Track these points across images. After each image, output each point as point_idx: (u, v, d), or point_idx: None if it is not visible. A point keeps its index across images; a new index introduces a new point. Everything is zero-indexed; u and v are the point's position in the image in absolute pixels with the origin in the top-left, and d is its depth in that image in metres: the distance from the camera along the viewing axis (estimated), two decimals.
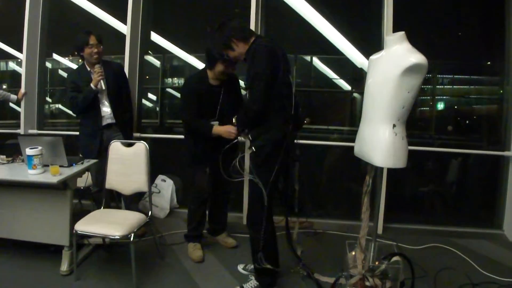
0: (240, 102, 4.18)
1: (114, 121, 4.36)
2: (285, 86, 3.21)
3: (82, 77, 4.29)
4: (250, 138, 3.25)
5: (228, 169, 3.43)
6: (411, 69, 2.54)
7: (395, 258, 3.03)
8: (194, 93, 3.95)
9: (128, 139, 4.19)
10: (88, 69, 4.31)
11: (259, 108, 3.12)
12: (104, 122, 4.35)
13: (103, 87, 4.25)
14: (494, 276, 3.84)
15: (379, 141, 2.74)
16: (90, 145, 4.35)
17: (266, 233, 3.28)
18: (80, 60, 4.73)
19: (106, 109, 4.35)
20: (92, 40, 4.18)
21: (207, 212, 4.36)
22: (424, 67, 2.55)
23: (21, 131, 5.44)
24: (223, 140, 3.74)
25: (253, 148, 3.20)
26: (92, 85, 4.19)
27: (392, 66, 2.63)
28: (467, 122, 5.67)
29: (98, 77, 4.17)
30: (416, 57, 2.55)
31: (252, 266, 3.60)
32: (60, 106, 6.39)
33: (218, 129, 3.83)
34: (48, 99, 6.12)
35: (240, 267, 3.88)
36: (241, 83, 4.28)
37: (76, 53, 4.36)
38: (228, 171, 3.41)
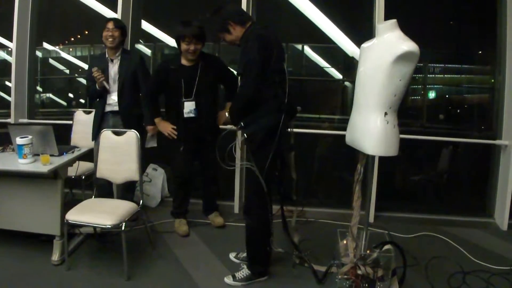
0: (228, 80, 4.37)
1: (118, 109, 4.45)
2: (278, 73, 3.17)
3: (100, 63, 4.39)
4: (243, 125, 3.21)
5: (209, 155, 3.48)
6: (403, 57, 2.53)
7: (386, 247, 3.04)
8: (163, 71, 4.27)
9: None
10: (107, 56, 4.43)
11: (249, 94, 3.11)
12: (109, 109, 4.46)
13: (107, 87, 4.37)
14: (485, 264, 3.86)
15: (371, 129, 2.73)
16: (94, 128, 4.50)
17: (262, 220, 3.30)
18: (71, 49, 4.74)
19: (114, 97, 4.44)
20: (110, 24, 4.33)
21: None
22: (415, 55, 2.54)
23: (11, 120, 5.39)
24: (196, 122, 4.16)
25: (245, 135, 3.18)
26: (97, 86, 4.32)
27: (384, 54, 2.62)
28: (459, 111, 5.68)
29: (98, 80, 4.27)
30: (408, 45, 2.54)
31: (244, 255, 3.60)
32: (51, 95, 6.36)
33: (157, 121, 4.36)
34: (38, 88, 6.07)
35: (232, 256, 3.88)
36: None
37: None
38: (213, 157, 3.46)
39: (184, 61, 4.19)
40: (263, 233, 3.36)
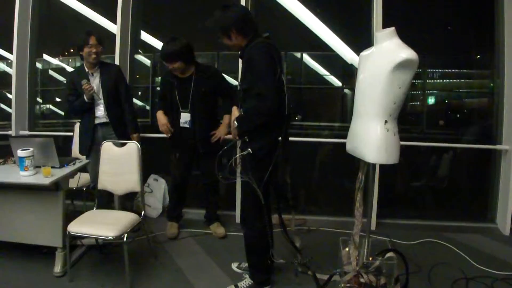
0: (224, 93, 4.43)
1: (108, 120, 4.43)
2: (280, 88, 3.11)
3: (80, 78, 4.32)
4: (247, 139, 3.15)
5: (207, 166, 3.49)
6: (402, 65, 2.54)
7: (389, 254, 3.03)
8: (164, 84, 4.55)
9: (123, 139, 4.21)
10: (87, 70, 4.39)
11: (273, 107, 2.99)
12: (98, 121, 4.44)
13: (99, 97, 4.38)
14: (488, 270, 3.85)
15: (371, 137, 2.73)
16: (84, 142, 4.48)
17: (260, 230, 3.28)
18: (70, 60, 4.75)
19: (100, 109, 4.42)
20: (92, 40, 4.25)
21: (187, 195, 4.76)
22: (414, 62, 2.55)
23: (12, 132, 5.39)
24: (190, 132, 4.30)
25: (250, 150, 3.10)
26: (85, 98, 4.29)
27: (383, 62, 2.63)
28: (458, 116, 5.68)
29: (88, 92, 4.26)
30: (407, 53, 2.55)
31: (246, 264, 3.60)
32: (51, 106, 6.36)
33: (158, 115, 4.45)
34: (39, 99, 6.08)
35: (234, 266, 3.87)
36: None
37: (77, 52, 4.40)
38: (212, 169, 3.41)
39: (179, 75, 4.30)
40: (262, 242, 3.34)
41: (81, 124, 4.57)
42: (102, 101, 4.39)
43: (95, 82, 4.39)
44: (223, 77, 4.56)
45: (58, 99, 6.31)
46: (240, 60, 3.39)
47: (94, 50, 4.26)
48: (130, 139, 4.37)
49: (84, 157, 4.39)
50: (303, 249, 3.74)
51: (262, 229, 3.29)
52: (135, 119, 4.63)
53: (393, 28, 2.72)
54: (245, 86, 3.13)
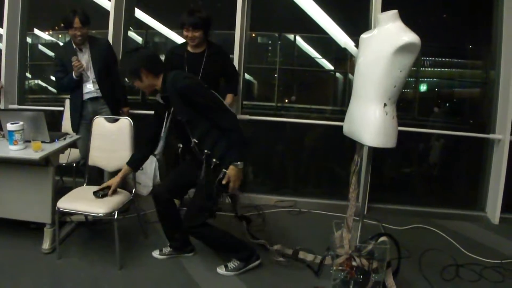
0: (229, 74, 4.50)
1: (99, 94, 4.42)
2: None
3: (68, 54, 4.29)
4: (215, 160, 3.17)
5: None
6: (404, 48, 2.52)
7: (382, 239, 3.03)
8: (169, 55, 4.47)
9: (116, 114, 4.23)
10: (74, 46, 4.35)
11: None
12: (88, 96, 4.42)
13: (87, 75, 4.36)
14: (478, 257, 3.88)
15: (370, 120, 2.72)
16: (73, 118, 4.47)
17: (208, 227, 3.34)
18: (60, 35, 4.70)
19: (89, 85, 4.40)
20: (76, 23, 4.18)
21: None
22: (417, 46, 2.53)
23: (1, 106, 5.34)
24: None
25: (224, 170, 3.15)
26: (73, 74, 4.26)
27: (385, 45, 2.61)
28: (452, 104, 5.68)
29: (77, 69, 4.23)
30: (410, 36, 2.53)
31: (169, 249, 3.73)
32: (40, 82, 6.29)
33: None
34: (28, 74, 6.01)
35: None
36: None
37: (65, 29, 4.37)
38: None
39: (190, 48, 4.29)
40: (215, 233, 3.40)
41: (71, 101, 4.55)
42: (90, 78, 4.37)
43: (84, 57, 4.35)
44: (231, 58, 4.62)
45: (49, 75, 6.24)
46: None
47: (78, 33, 4.22)
48: (121, 114, 4.33)
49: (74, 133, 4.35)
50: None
51: (211, 227, 3.36)
52: (126, 93, 4.68)
53: (396, 11, 2.69)
54: (187, 118, 3.13)
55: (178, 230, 3.58)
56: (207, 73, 4.22)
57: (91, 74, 4.37)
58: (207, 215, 3.22)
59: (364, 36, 2.95)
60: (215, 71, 4.29)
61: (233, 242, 3.47)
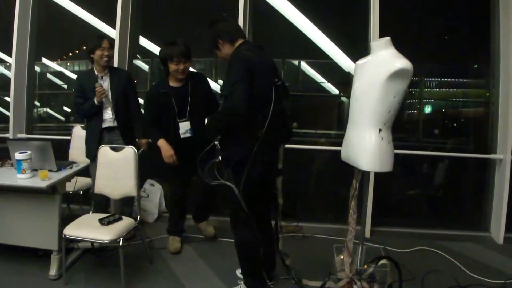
0: (211, 101, 4.29)
1: (116, 124, 4.42)
2: (260, 98, 3.06)
3: (90, 81, 4.35)
4: (219, 147, 3.13)
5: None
6: (397, 74, 2.57)
7: (382, 262, 3.06)
8: (154, 97, 4.24)
9: (129, 143, 4.20)
10: (96, 73, 4.39)
11: (243, 109, 2.95)
12: (105, 125, 4.41)
13: (109, 101, 4.36)
14: (481, 278, 3.88)
15: (365, 145, 2.76)
16: (90, 146, 4.42)
17: (247, 238, 3.29)
18: (69, 64, 4.76)
19: (108, 113, 4.41)
20: (105, 43, 4.29)
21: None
22: (409, 72, 2.58)
23: (10, 135, 5.43)
24: (192, 141, 4.11)
25: (220, 158, 3.11)
26: (95, 100, 4.28)
27: (378, 71, 2.66)
28: (454, 125, 5.72)
29: (100, 95, 4.26)
30: (401, 62, 2.58)
31: None
32: (49, 110, 6.39)
33: (161, 144, 4.19)
34: (36, 103, 6.10)
35: (238, 272, 3.76)
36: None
37: (88, 55, 4.39)
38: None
39: (172, 83, 4.21)
40: (250, 250, 3.32)
41: (88, 128, 4.55)
42: (109, 106, 4.38)
43: (105, 85, 4.38)
44: (210, 86, 4.52)
45: (57, 103, 6.34)
46: None
47: (106, 53, 4.28)
48: (137, 145, 4.38)
49: (82, 161, 4.38)
50: (293, 267, 3.71)
51: (249, 237, 3.28)
52: (145, 126, 4.52)
53: (388, 38, 2.75)
54: (224, 92, 3.12)
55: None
56: (195, 102, 4.16)
57: (110, 102, 4.38)
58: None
59: (359, 62, 2.99)
60: (201, 97, 4.21)
61: (254, 269, 3.40)
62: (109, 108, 4.39)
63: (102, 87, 4.28)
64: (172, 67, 4.03)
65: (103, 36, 4.40)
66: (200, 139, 3.67)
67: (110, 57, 4.37)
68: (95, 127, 4.42)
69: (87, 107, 4.34)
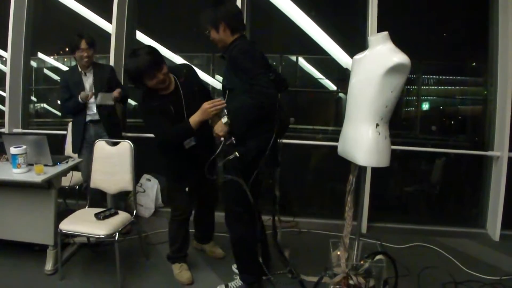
0: (205, 95, 3.72)
1: (99, 118, 4.44)
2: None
3: (74, 78, 4.39)
4: (234, 142, 3.06)
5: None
6: (394, 69, 2.55)
7: (378, 257, 3.05)
8: (156, 109, 3.41)
9: (113, 137, 4.19)
10: (80, 70, 4.41)
11: (275, 98, 2.93)
12: (89, 118, 4.44)
13: (93, 100, 4.37)
14: (477, 274, 3.89)
15: (362, 140, 2.75)
16: (75, 140, 4.48)
17: (243, 233, 3.30)
18: (65, 59, 4.76)
19: (94, 108, 4.42)
20: (83, 44, 4.27)
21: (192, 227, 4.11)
22: (407, 67, 2.56)
23: (5, 130, 5.41)
24: (201, 156, 3.41)
25: (237, 153, 3.04)
26: (80, 98, 4.29)
27: (376, 66, 2.64)
28: (452, 122, 5.72)
29: (84, 99, 4.31)
30: (399, 57, 2.56)
31: None
32: (45, 105, 6.37)
33: (194, 118, 3.27)
34: (33, 98, 6.08)
35: (234, 267, 3.78)
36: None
37: (70, 53, 4.42)
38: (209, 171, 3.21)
39: (162, 92, 3.45)
40: (246, 245, 3.32)
41: (73, 123, 4.58)
42: (94, 102, 4.38)
43: (89, 81, 4.41)
44: (196, 73, 3.85)
45: (53, 98, 6.31)
46: None
47: (85, 54, 4.28)
48: (121, 138, 4.35)
49: (77, 155, 4.40)
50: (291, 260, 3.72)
51: (244, 233, 3.29)
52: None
53: (386, 33, 2.73)
54: (230, 86, 3.12)
55: None
56: (190, 105, 3.46)
57: (94, 98, 4.37)
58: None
59: (356, 57, 2.99)
60: (194, 93, 3.56)
61: (250, 264, 3.38)
62: (94, 105, 4.40)
63: (87, 95, 4.31)
64: (153, 82, 3.31)
65: (80, 35, 4.30)
66: (205, 139, 3.50)
67: (90, 57, 4.35)
68: (79, 121, 4.46)
69: (72, 105, 4.38)
